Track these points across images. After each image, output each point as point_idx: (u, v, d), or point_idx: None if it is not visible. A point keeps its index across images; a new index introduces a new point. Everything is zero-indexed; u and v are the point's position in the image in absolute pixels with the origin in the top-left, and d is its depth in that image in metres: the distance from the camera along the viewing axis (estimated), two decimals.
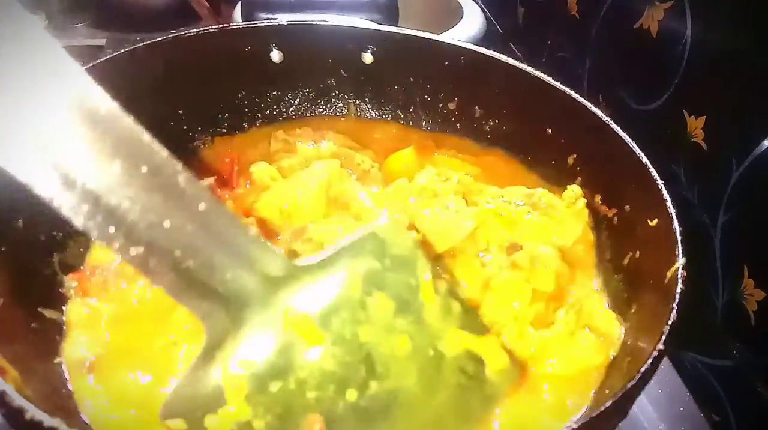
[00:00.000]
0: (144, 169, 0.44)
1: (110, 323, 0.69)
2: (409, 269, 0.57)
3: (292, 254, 0.74)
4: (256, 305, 0.51)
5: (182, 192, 0.45)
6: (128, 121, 0.44)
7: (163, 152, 0.45)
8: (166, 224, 0.45)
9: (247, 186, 0.86)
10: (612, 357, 0.67)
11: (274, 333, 0.52)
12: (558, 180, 0.87)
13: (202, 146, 0.95)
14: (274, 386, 0.51)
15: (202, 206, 0.46)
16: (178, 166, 0.46)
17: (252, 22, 0.98)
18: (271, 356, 0.52)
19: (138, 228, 0.44)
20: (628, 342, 0.66)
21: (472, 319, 0.61)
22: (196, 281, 0.48)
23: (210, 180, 0.81)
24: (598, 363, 0.67)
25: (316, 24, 0.95)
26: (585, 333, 0.69)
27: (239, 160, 0.91)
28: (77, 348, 0.66)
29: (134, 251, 0.45)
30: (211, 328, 0.51)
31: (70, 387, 0.63)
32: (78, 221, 0.43)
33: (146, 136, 0.45)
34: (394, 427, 0.55)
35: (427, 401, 0.56)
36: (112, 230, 0.44)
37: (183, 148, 0.93)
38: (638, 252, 0.73)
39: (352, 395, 0.54)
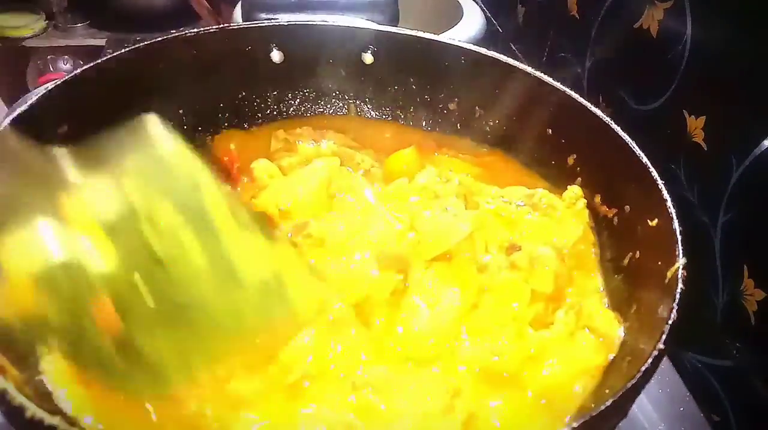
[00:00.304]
0: None
1: None
2: (187, 172, 0.59)
3: None
4: (41, 197, 0.54)
5: None
6: None
7: None
8: None
9: (245, 181, 0.87)
10: (612, 358, 0.67)
11: (59, 228, 0.53)
12: (558, 180, 0.87)
13: (202, 146, 0.95)
14: (61, 279, 0.53)
15: None
16: None
17: (252, 22, 0.98)
18: (57, 250, 0.53)
19: None
20: (628, 342, 0.66)
21: (261, 225, 0.63)
22: None
23: None
24: (597, 364, 0.66)
25: (316, 24, 0.95)
26: (584, 334, 0.69)
27: (240, 158, 0.91)
28: None
29: None
30: None
31: None
32: None
33: None
34: (193, 331, 0.58)
35: (225, 303, 0.59)
36: None
37: None
38: (638, 252, 0.73)
39: (142, 290, 0.56)
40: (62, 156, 0.58)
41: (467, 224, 0.75)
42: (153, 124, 0.57)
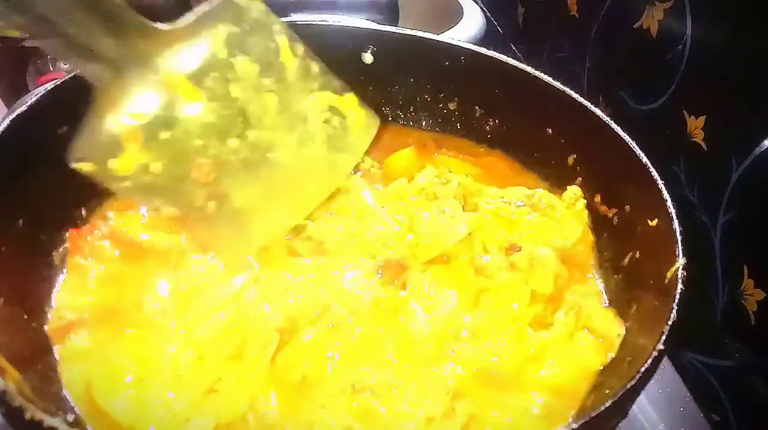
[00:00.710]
0: None
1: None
2: (266, 32, 0.65)
3: (292, 252, 0.75)
4: (136, 66, 0.59)
5: None
6: None
7: None
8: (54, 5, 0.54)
9: None
10: (611, 358, 0.67)
11: (156, 91, 0.60)
12: (558, 180, 0.87)
13: None
14: (164, 135, 0.60)
15: None
16: None
17: None
18: (157, 110, 0.60)
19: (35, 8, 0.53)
20: (628, 342, 0.66)
21: (330, 79, 0.70)
22: (81, 45, 0.56)
23: None
24: (597, 364, 0.66)
25: (316, 24, 0.95)
26: (584, 334, 0.69)
27: None
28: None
29: (20, 19, 0.53)
30: (99, 86, 0.59)
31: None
32: None
33: None
34: (272, 171, 0.66)
35: (298, 149, 0.67)
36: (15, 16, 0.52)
37: None
38: (638, 252, 0.73)
39: (232, 142, 0.64)
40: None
41: (464, 226, 0.75)
42: None
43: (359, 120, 0.71)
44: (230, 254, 0.66)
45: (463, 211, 0.79)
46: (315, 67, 0.68)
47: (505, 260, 0.74)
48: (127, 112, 0.59)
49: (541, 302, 0.72)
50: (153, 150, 0.60)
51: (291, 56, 0.66)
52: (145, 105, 0.60)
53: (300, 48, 0.67)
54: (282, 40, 0.65)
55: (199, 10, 0.64)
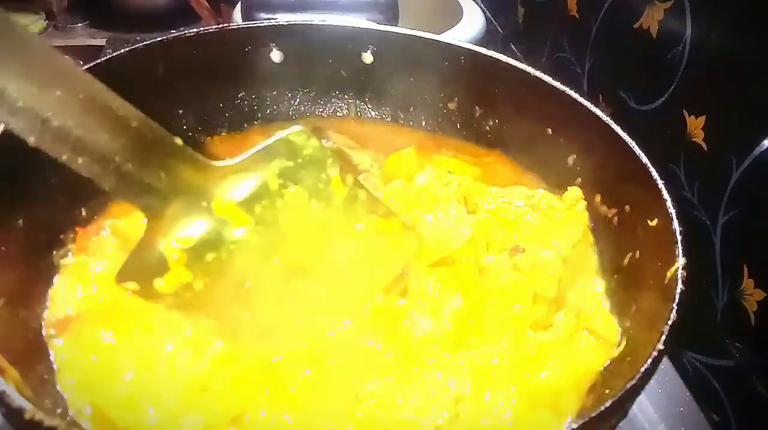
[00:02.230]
0: (81, 95, 0.52)
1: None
2: (319, 166, 0.66)
3: None
4: (188, 196, 0.61)
5: (116, 113, 0.54)
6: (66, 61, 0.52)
7: (98, 84, 0.53)
8: (105, 137, 0.54)
9: None
10: (611, 359, 0.67)
11: (205, 217, 0.62)
12: (558, 180, 0.87)
13: (203, 146, 0.95)
14: (210, 256, 0.62)
15: (134, 124, 0.56)
16: (111, 93, 0.54)
17: (252, 22, 0.98)
18: (204, 234, 0.62)
19: (82, 142, 0.53)
20: (628, 342, 0.66)
21: (377, 204, 0.70)
22: (135, 180, 0.57)
23: None
24: (597, 365, 0.66)
25: (316, 24, 0.95)
26: (584, 335, 0.69)
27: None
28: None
29: (80, 160, 0.53)
30: (150, 216, 0.60)
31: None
32: (30, 141, 0.50)
33: (80, 71, 0.54)
34: (308, 286, 0.67)
35: (338, 267, 0.68)
36: (59, 145, 0.52)
37: None
38: (638, 252, 0.73)
39: (275, 261, 0.65)
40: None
41: (469, 228, 0.75)
42: (296, 133, 0.66)
43: (401, 240, 0.71)
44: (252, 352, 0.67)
45: (467, 212, 0.79)
46: (362, 194, 0.68)
47: (508, 262, 0.74)
48: (175, 237, 0.61)
49: (543, 303, 0.72)
50: (197, 270, 0.62)
51: (341, 186, 0.67)
52: (193, 229, 0.61)
53: (350, 178, 0.68)
54: (334, 172, 0.67)
55: (256, 147, 0.65)
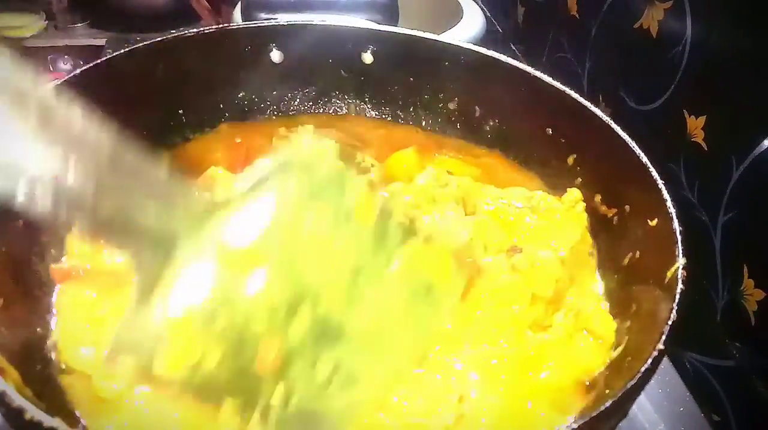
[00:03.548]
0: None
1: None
2: (338, 188, 0.56)
3: None
4: (185, 241, 0.50)
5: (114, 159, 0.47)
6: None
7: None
8: (91, 184, 0.46)
9: None
10: (610, 360, 0.67)
11: (209, 268, 0.51)
12: (558, 180, 0.87)
13: (201, 146, 0.94)
14: (219, 322, 0.50)
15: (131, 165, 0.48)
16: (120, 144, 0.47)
17: (252, 22, 0.98)
18: (210, 292, 0.50)
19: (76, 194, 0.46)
20: (628, 343, 0.66)
21: (410, 234, 0.60)
22: (122, 223, 0.48)
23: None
24: (596, 366, 0.66)
25: (316, 24, 0.95)
26: (583, 336, 0.69)
27: (246, 153, 0.91)
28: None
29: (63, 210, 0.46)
30: (142, 268, 0.50)
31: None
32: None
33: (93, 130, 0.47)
34: (351, 343, 0.54)
35: (379, 317, 0.56)
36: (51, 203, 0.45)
37: (184, 147, 0.93)
38: (638, 252, 0.73)
39: (303, 319, 0.52)
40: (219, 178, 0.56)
41: (467, 231, 0.75)
42: (308, 142, 0.56)
43: (446, 272, 0.60)
44: None
45: (464, 214, 0.79)
46: (393, 223, 0.57)
47: (506, 262, 0.74)
48: (174, 297, 0.50)
49: (541, 304, 0.72)
50: (206, 343, 0.49)
51: (366, 214, 0.56)
52: (197, 287, 0.50)
53: (377, 200, 0.57)
54: (357, 196, 0.56)
55: (261, 168, 0.55)
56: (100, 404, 0.59)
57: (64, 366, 0.64)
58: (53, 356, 0.65)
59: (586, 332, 0.69)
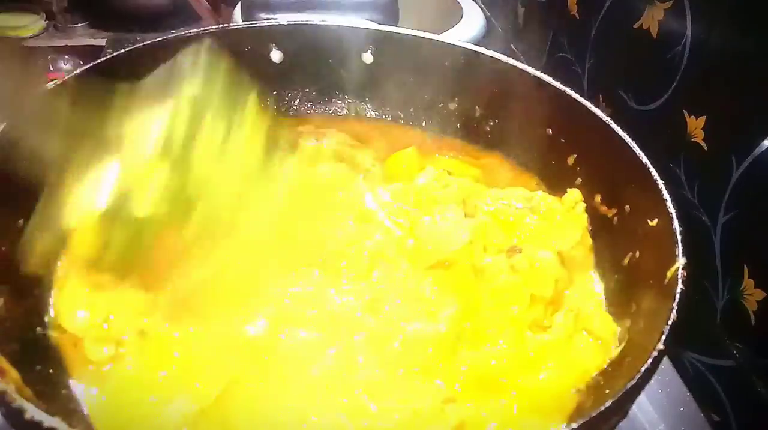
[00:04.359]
0: None
1: None
2: (231, 101, 0.62)
3: None
4: (96, 137, 0.58)
5: None
6: None
7: None
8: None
9: None
10: (609, 360, 0.67)
11: (115, 166, 0.57)
12: (558, 180, 0.87)
13: None
14: (124, 211, 0.56)
15: None
16: None
17: (252, 22, 0.98)
18: (118, 184, 0.57)
19: None
20: (628, 342, 0.66)
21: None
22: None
23: None
24: (595, 366, 0.66)
25: (316, 24, 0.95)
26: (583, 336, 0.69)
27: None
28: None
29: None
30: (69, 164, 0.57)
31: (70, 385, 0.63)
32: None
33: None
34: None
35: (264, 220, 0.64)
36: None
37: None
38: (638, 252, 0.73)
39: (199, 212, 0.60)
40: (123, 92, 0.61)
41: (467, 233, 0.75)
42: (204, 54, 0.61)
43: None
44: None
45: (464, 215, 0.79)
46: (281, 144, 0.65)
47: (506, 263, 0.74)
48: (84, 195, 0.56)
49: (540, 304, 0.72)
50: (112, 226, 0.57)
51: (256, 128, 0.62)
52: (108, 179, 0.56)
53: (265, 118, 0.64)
54: (248, 110, 0.62)
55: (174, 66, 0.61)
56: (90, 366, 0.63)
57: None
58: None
59: (586, 332, 0.69)
